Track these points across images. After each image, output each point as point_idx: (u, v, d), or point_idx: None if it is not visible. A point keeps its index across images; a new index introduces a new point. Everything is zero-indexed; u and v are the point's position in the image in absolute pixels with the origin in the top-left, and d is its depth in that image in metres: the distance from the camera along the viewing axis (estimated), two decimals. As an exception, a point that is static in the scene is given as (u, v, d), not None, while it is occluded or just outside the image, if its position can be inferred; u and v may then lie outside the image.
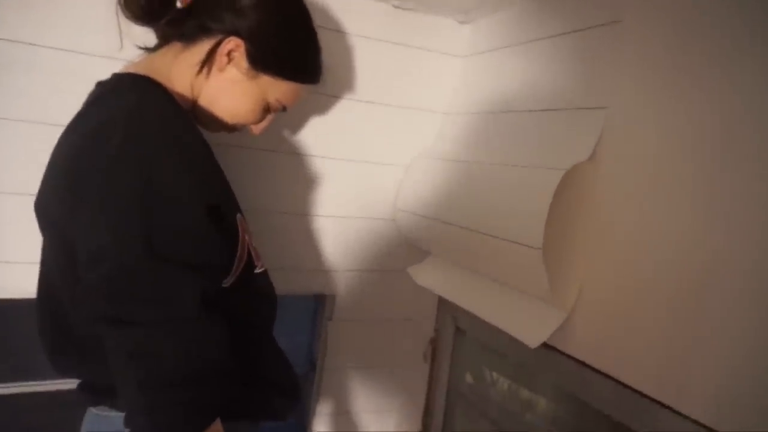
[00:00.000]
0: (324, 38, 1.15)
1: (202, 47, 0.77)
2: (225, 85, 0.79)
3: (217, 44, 0.76)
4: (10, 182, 0.96)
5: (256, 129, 0.91)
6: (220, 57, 0.77)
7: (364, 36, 1.19)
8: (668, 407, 0.70)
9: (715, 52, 0.69)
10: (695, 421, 0.67)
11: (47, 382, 1.14)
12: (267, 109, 0.87)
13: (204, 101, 0.80)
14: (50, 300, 0.71)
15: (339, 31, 1.17)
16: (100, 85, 0.76)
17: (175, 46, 0.78)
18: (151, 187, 0.57)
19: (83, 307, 0.58)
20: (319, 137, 1.19)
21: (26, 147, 0.95)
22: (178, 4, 0.76)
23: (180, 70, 0.77)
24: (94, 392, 0.72)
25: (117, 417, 0.68)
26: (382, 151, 1.26)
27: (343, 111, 1.20)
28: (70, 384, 1.11)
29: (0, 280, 0.97)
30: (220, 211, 0.67)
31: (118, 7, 0.77)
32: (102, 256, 0.56)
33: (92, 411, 0.73)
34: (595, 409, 0.85)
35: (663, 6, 0.77)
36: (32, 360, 1.17)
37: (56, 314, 0.71)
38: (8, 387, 1.12)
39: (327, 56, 1.17)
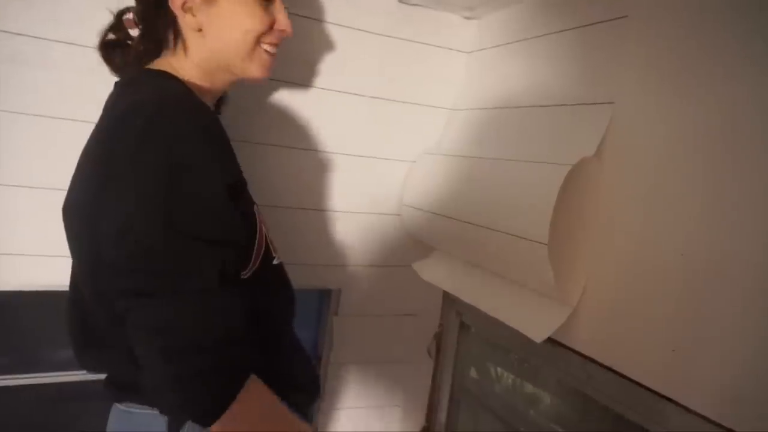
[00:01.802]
0: (329, 33, 1.16)
1: (170, 33, 0.77)
2: (212, 26, 0.75)
3: (172, 18, 0.75)
4: (16, 175, 0.96)
5: (282, 25, 0.80)
6: (181, 16, 0.74)
7: (370, 31, 1.19)
8: (674, 402, 0.71)
9: (722, 47, 0.69)
10: (700, 416, 0.67)
11: (51, 374, 1.15)
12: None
13: (213, 57, 0.77)
14: (77, 299, 0.73)
15: (345, 27, 1.17)
16: (119, 85, 0.77)
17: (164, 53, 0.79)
18: (173, 161, 0.58)
19: (107, 285, 0.60)
20: (325, 133, 1.20)
21: (33, 141, 0.96)
22: (132, 33, 0.78)
23: (178, 63, 0.77)
24: (119, 388, 0.73)
25: (140, 414, 0.70)
26: (387, 147, 1.26)
27: (348, 107, 1.20)
28: (73, 377, 1.14)
29: (5, 272, 0.98)
30: (239, 192, 0.68)
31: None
32: (126, 231, 0.57)
33: (118, 407, 0.74)
34: (600, 404, 0.85)
35: (669, 1, 0.77)
36: (36, 352, 1.18)
37: (82, 312, 0.72)
38: (12, 379, 1.13)
39: (333, 52, 1.18)
